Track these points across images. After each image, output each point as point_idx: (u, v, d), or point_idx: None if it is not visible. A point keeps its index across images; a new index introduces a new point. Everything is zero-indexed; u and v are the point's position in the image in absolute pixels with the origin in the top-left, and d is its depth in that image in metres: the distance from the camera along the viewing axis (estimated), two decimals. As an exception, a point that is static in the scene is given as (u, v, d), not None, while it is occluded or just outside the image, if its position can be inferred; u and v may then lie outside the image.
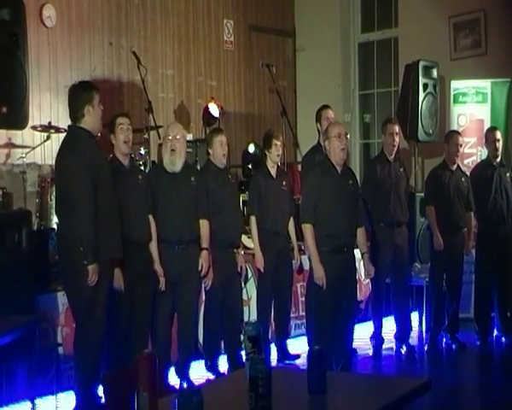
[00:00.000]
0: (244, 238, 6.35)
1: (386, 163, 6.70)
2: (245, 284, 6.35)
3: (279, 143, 6.32)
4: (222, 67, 9.31)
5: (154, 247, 5.34)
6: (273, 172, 6.38)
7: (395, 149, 6.71)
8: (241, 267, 6.08)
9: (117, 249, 4.80)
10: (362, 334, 6.95)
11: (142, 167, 6.62)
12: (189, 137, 8.02)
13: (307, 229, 5.27)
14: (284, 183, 6.44)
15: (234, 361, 5.94)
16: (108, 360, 4.92)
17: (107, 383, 2.93)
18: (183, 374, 5.61)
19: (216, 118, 8.29)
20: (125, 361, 4.81)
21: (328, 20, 9.92)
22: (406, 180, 6.87)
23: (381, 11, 9.92)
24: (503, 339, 7.04)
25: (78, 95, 4.80)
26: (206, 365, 5.97)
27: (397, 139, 6.70)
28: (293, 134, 8.12)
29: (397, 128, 6.76)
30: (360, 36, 10.09)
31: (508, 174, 7.00)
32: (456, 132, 7.12)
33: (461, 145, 6.94)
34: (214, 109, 8.29)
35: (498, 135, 6.95)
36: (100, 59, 7.91)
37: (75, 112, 4.77)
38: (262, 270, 6.21)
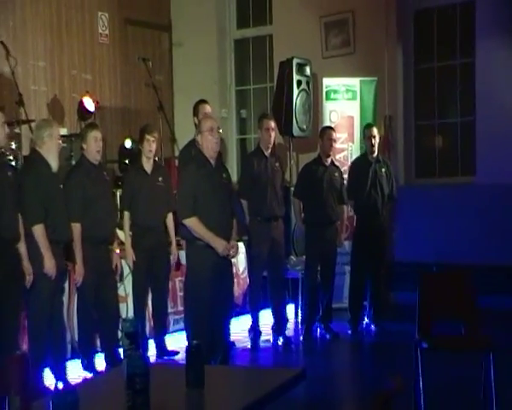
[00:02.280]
0: (120, 233, 6.29)
1: (263, 158, 6.83)
2: (121, 280, 6.28)
3: (152, 138, 6.29)
4: (97, 60, 9.13)
5: (22, 244, 5.16)
6: (147, 167, 6.34)
7: (271, 144, 6.85)
8: (116, 265, 6.01)
9: None
10: (240, 327, 7.06)
11: (14, 163, 6.40)
12: (64, 131, 7.82)
13: (192, 222, 5.27)
14: (160, 178, 6.41)
15: (111, 359, 5.87)
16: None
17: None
18: (58, 374, 5.50)
19: (91, 112, 8.12)
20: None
21: (204, 16, 9.95)
22: (282, 175, 7.03)
23: (256, 8, 10.06)
24: (373, 327, 7.35)
25: None
26: (82, 363, 5.87)
27: (272, 134, 6.84)
28: (170, 129, 8.10)
29: (272, 123, 6.89)
30: (236, 32, 10.20)
31: (383, 169, 7.30)
32: (330, 128, 7.35)
33: (334, 140, 7.18)
34: (89, 104, 8.13)
35: (375, 132, 7.23)
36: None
37: None
38: (131, 265, 6.19)
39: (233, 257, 5.47)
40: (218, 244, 5.23)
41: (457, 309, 4.80)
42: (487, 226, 8.04)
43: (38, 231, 5.19)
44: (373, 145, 7.19)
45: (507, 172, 7.98)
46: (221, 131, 5.59)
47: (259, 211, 6.74)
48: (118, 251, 6.05)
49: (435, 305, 4.79)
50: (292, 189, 7.70)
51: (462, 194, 8.39)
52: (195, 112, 6.79)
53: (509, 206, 7.97)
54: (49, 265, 5.21)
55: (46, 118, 7.01)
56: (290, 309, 7.47)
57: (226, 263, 5.42)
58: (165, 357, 6.36)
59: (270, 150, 6.85)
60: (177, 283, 6.85)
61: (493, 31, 8.13)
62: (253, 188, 6.73)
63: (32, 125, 6.91)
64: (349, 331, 7.25)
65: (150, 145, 6.27)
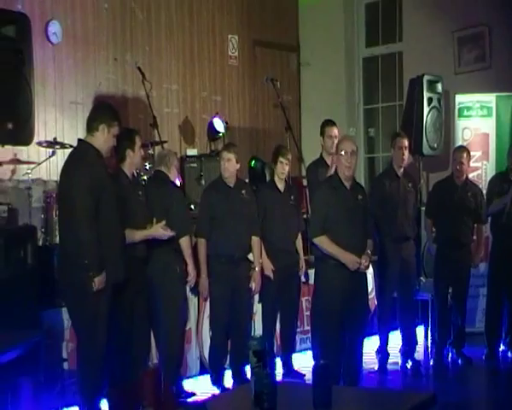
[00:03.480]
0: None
1: (395, 178, 6.70)
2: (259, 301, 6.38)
3: (285, 160, 6.33)
4: (226, 81, 9.33)
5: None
6: (280, 186, 6.40)
7: (404, 163, 6.71)
8: (253, 284, 6.09)
9: (120, 274, 4.80)
10: (367, 348, 6.94)
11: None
12: (194, 152, 8.04)
13: (321, 241, 5.29)
14: (292, 197, 6.46)
15: (239, 376, 5.92)
16: (111, 374, 4.91)
17: (112, 397, 2.93)
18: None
19: (220, 133, 8.30)
20: (128, 375, 4.83)
21: (332, 35, 9.96)
22: (415, 195, 6.86)
23: (385, 26, 9.95)
24: (510, 354, 7.01)
25: (99, 113, 4.87)
26: (211, 379, 5.97)
27: (406, 153, 6.70)
28: (297, 148, 8.13)
29: (406, 142, 6.75)
30: (364, 50, 10.12)
31: None
32: (461, 149, 7.09)
33: (463, 163, 6.92)
34: (219, 124, 8.31)
35: None
36: (105, 74, 7.95)
37: (90, 125, 4.81)
38: (271, 276, 6.19)
39: (366, 269, 5.37)
40: (347, 257, 5.21)
41: None
42: None
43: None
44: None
45: None
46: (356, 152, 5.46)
47: (389, 231, 6.61)
48: (257, 269, 6.10)
49: None
50: (422, 209, 7.50)
51: None
52: (322, 132, 6.81)
53: None
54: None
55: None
56: (420, 332, 7.26)
57: (359, 282, 5.35)
58: (291, 377, 6.35)
59: (402, 170, 6.72)
60: (303, 302, 6.83)
61: None
62: (384, 208, 6.60)
63: (165, 145, 7.15)
64: (483, 357, 6.94)
65: (283, 167, 6.32)
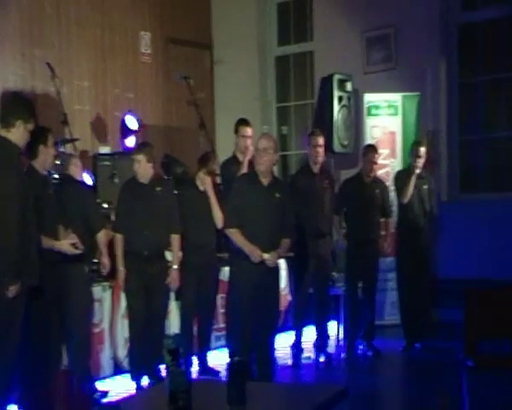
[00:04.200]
0: (166, 253, 6.29)
1: (311, 175, 6.82)
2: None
3: (206, 176, 6.32)
4: (139, 79, 9.24)
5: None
6: (202, 187, 6.40)
7: (319, 160, 6.83)
8: (170, 281, 6.05)
9: (35, 278, 4.62)
10: (282, 344, 7.02)
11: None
12: (107, 149, 7.93)
13: (232, 233, 5.35)
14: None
15: (154, 375, 5.90)
16: (22, 379, 4.79)
17: (24, 403, 2.87)
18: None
19: (134, 130, 8.22)
20: (40, 380, 4.73)
21: (245, 33, 10.01)
22: (331, 192, 6.99)
23: (297, 25, 10.08)
24: (417, 345, 7.23)
25: (16, 107, 4.63)
26: (132, 378, 5.92)
27: (321, 151, 6.83)
28: (211, 147, 8.14)
29: (321, 140, 6.87)
30: (277, 49, 10.23)
31: (425, 186, 7.22)
32: (373, 149, 7.26)
33: (375, 163, 7.12)
34: (131, 121, 8.22)
35: (422, 151, 7.09)
36: (12, 70, 7.73)
37: (6, 120, 4.57)
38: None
39: (271, 264, 5.38)
40: (250, 249, 5.25)
41: (504, 326, 4.70)
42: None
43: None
44: (418, 163, 7.12)
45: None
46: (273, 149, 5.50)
47: (306, 228, 6.72)
48: (175, 266, 6.07)
49: (482, 322, 4.69)
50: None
51: (508, 209, 8.24)
52: (236, 130, 6.88)
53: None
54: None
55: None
56: (333, 326, 7.42)
57: (271, 278, 5.41)
58: (207, 375, 6.36)
59: (318, 167, 6.84)
60: (218, 299, 6.86)
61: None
62: (301, 205, 6.72)
63: (76, 143, 7.02)
64: (398, 348, 7.15)
65: (203, 182, 6.32)
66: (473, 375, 4.48)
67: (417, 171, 7.13)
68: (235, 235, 5.35)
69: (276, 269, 5.49)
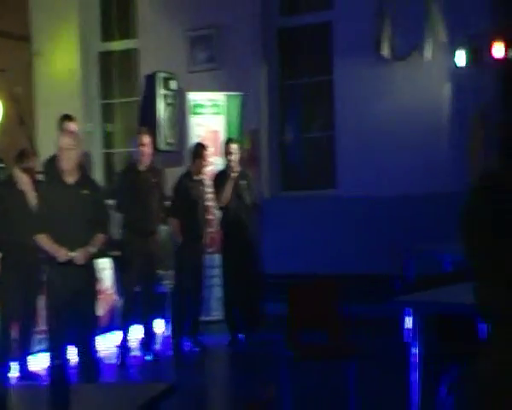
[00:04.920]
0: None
1: (138, 173, 6.79)
2: None
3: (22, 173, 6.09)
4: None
5: None
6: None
7: (146, 158, 6.82)
8: None
9: None
10: (108, 343, 6.93)
11: None
12: None
13: (40, 239, 5.25)
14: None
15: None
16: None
17: None
18: None
19: None
20: None
21: (66, 26, 9.73)
22: (159, 190, 6.99)
23: (121, 21, 9.96)
24: (244, 338, 7.42)
25: None
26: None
27: (146, 149, 6.81)
28: (30, 143, 7.84)
29: (146, 138, 6.86)
30: (100, 44, 10.04)
31: (243, 182, 7.42)
32: (204, 147, 7.38)
33: (207, 161, 7.28)
34: None
35: (233, 147, 7.34)
36: None
37: None
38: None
39: (80, 262, 5.29)
40: (55, 250, 5.17)
41: (322, 319, 4.95)
42: (350, 237, 8.36)
43: None
44: (231, 160, 7.31)
45: (365, 184, 8.34)
46: (75, 146, 5.40)
47: (133, 226, 6.68)
48: None
49: (302, 315, 4.91)
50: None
51: (325, 206, 8.68)
52: (59, 127, 6.68)
53: (368, 217, 8.32)
54: None
55: None
56: (159, 324, 7.42)
57: (84, 278, 5.31)
58: (28, 380, 6.14)
59: (145, 165, 6.82)
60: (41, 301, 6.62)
61: (349, 49, 8.49)
62: (128, 202, 6.69)
63: None
64: (224, 343, 7.29)
65: (19, 179, 6.08)
66: (293, 366, 4.67)
67: (234, 171, 7.29)
68: (42, 240, 5.26)
69: (91, 269, 5.39)
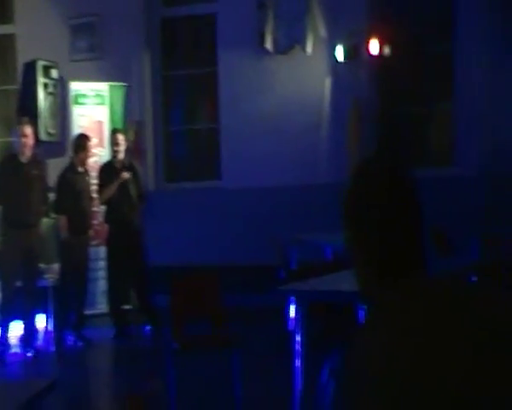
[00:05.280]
0: None
1: (18, 165, 6.59)
2: None
3: None
4: None
5: None
6: None
7: (27, 149, 6.62)
8: None
9: None
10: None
11: None
12: None
13: None
14: None
15: None
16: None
17: None
18: None
19: None
20: None
21: None
22: (41, 181, 6.80)
23: (-2, 6, 9.57)
24: (132, 330, 7.36)
25: None
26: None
27: (27, 140, 6.61)
28: None
29: (28, 129, 6.66)
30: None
31: (130, 174, 7.35)
32: (87, 138, 7.23)
33: (90, 152, 7.15)
34: None
35: (119, 138, 7.27)
36: None
37: None
38: None
39: None
40: None
41: (206, 310, 5.00)
42: (234, 228, 8.46)
43: None
44: (117, 151, 7.24)
45: (249, 176, 8.46)
46: None
47: (13, 218, 6.49)
48: None
49: (186, 307, 4.95)
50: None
51: (210, 198, 8.74)
52: None
53: (252, 208, 8.45)
54: None
55: None
56: (41, 319, 7.24)
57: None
58: None
59: (26, 157, 6.62)
60: None
61: (233, 42, 8.57)
62: (6, 195, 6.50)
63: None
64: (109, 336, 7.21)
65: None
66: (179, 358, 4.70)
67: (120, 161, 7.24)
68: None
69: None
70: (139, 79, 8.81)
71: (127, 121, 8.41)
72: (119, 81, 8.46)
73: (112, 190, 7.15)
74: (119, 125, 8.09)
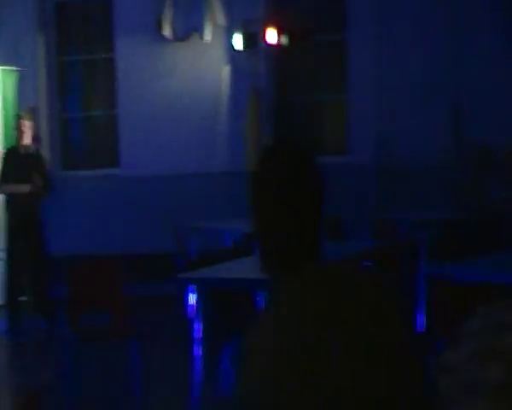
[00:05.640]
0: None
1: None
2: None
3: None
4: None
5: None
6: None
7: None
8: None
9: None
10: None
11: None
12: None
13: None
14: None
15: None
16: None
17: None
18: None
19: None
20: None
21: None
22: None
23: None
24: (31, 322, 7.18)
25: None
26: None
27: None
28: None
29: None
30: None
31: (34, 161, 7.14)
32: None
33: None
34: None
35: (24, 123, 7.05)
36: None
37: None
38: None
39: None
40: None
41: (105, 299, 4.95)
42: (132, 216, 8.38)
43: None
44: (21, 137, 7.03)
45: (147, 163, 8.40)
46: None
47: None
48: None
49: (84, 297, 4.87)
50: None
51: (109, 186, 8.62)
52: None
53: (150, 196, 8.40)
54: None
55: None
56: None
57: None
58: None
59: None
60: None
61: (131, 28, 8.45)
62: None
63: None
64: (6, 329, 7.00)
65: None
66: (77, 349, 4.63)
67: (24, 143, 7.04)
68: None
69: None
70: (33, 64, 8.55)
71: (20, 107, 8.14)
72: (11, 66, 8.18)
73: (14, 189, 6.94)
74: (12, 111, 7.82)
